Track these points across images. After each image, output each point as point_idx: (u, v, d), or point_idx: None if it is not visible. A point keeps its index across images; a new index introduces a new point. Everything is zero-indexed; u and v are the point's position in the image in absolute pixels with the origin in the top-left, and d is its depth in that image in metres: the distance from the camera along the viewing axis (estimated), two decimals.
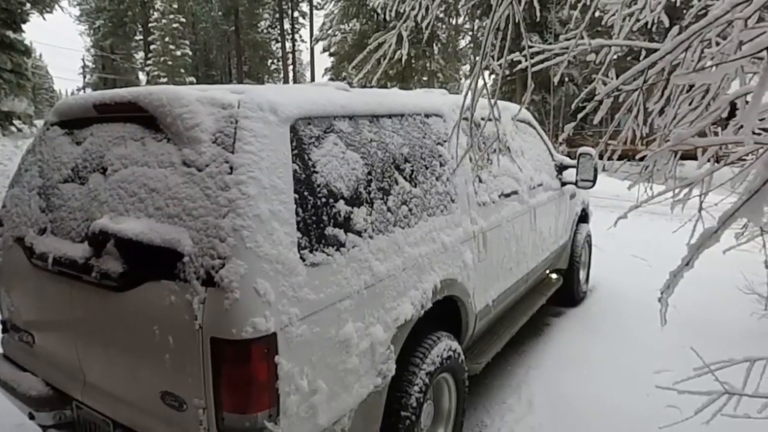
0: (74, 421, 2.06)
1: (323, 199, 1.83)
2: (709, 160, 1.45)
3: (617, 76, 1.87)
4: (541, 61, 1.95)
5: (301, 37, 41.35)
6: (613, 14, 1.87)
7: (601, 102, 1.37)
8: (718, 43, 1.61)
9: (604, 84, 1.57)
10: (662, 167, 1.38)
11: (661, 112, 1.63)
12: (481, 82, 1.57)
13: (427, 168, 2.47)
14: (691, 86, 1.45)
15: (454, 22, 27.29)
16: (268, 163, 1.64)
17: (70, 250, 1.90)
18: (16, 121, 15.53)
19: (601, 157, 1.61)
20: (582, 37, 1.43)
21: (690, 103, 1.49)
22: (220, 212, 1.55)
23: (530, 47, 1.82)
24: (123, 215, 1.77)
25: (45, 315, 2.12)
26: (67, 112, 2.17)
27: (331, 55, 28.10)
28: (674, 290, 1.08)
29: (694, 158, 1.81)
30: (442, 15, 25.39)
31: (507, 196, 3.23)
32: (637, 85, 1.26)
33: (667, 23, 1.97)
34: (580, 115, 1.49)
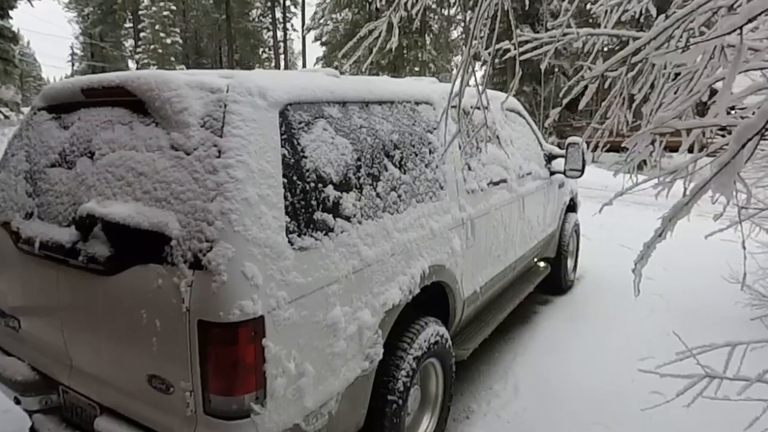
0: (60, 405, 2.07)
1: (312, 184, 1.83)
2: (691, 149, 1.46)
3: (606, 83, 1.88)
4: (530, 50, 1.95)
5: (292, 26, 40.95)
6: (601, 3, 1.88)
7: (586, 87, 1.39)
8: (703, 33, 1.63)
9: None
10: (644, 150, 1.39)
11: (646, 100, 1.64)
12: (470, 69, 1.58)
13: (416, 155, 2.48)
14: (677, 75, 1.47)
15: (446, 12, 27.17)
16: (256, 147, 1.64)
17: (57, 234, 1.90)
18: (3, 109, 15.31)
19: (588, 144, 1.63)
20: (569, 25, 1.44)
21: (675, 92, 1.51)
22: (208, 196, 1.55)
23: (519, 36, 1.83)
24: (110, 199, 1.77)
25: (31, 299, 2.11)
26: (55, 96, 2.15)
27: (323, 44, 27.92)
28: (647, 261, 1.10)
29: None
30: (434, 5, 25.28)
31: (496, 184, 3.25)
32: (622, 72, 1.27)
33: (654, 14, 1.99)
34: (565, 100, 1.50)
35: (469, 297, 2.90)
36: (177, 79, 1.71)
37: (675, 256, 5.83)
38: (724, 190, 0.88)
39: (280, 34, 39.40)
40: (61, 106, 2.10)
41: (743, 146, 0.84)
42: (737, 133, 0.84)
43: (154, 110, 1.72)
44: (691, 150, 1.70)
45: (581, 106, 1.47)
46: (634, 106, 1.52)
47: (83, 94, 1.97)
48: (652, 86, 1.45)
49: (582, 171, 4.20)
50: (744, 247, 1.89)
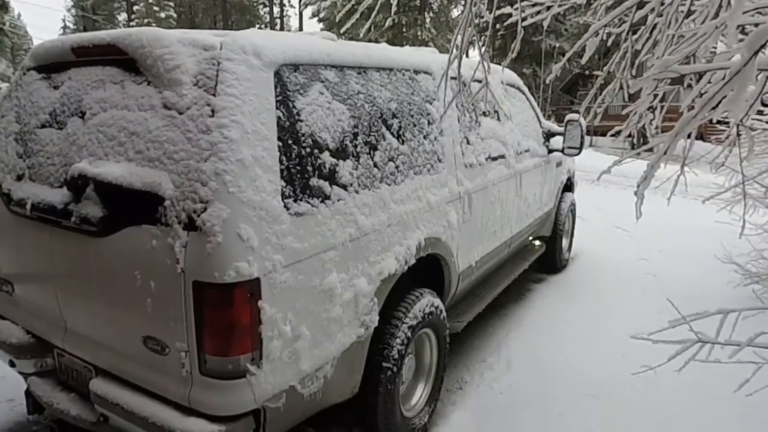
0: (55, 368, 2.07)
1: (308, 149, 1.81)
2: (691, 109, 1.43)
3: (606, 41, 1.85)
4: (533, 15, 1.91)
5: (289, 1, 40.31)
6: None
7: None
8: None
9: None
10: (646, 99, 1.36)
11: (651, 56, 1.60)
12: (469, 29, 1.54)
13: (414, 125, 2.45)
14: (681, 37, 1.44)
15: None
16: (251, 108, 1.61)
17: (48, 195, 1.87)
18: None
19: (588, 112, 1.60)
20: None
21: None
22: (202, 156, 1.53)
23: (522, 1, 1.80)
24: (102, 159, 1.73)
25: (24, 262, 2.09)
26: (45, 56, 2.10)
27: (320, 21, 27.56)
28: (650, 182, 1.08)
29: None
30: None
31: (494, 159, 3.23)
32: (624, 29, 1.24)
33: None
34: (567, 55, 1.47)
35: (464, 271, 2.90)
36: (169, 36, 1.66)
37: (669, 239, 5.86)
38: (732, 105, 0.85)
39: (276, 10, 38.77)
40: (51, 65, 2.05)
41: (755, 53, 0.80)
42: (749, 40, 0.81)
43: (146, 68, 1.68)
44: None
45: (584, 60, 1.44)
46: (638, 60, 1.49)
47: (73, 53, 1.92)
48: (655, 44, 1.42)
49: (580, 149, 4.17)
50: (744, 224, 1.88)
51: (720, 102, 0.86)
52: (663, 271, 4.89)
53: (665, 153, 0.98)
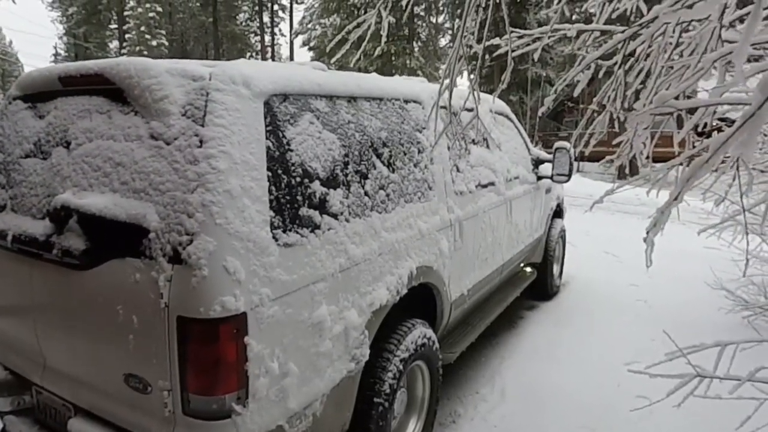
0: (34, 406, 1.98)
1: (298, 179, 1.78)
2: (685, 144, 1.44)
3: (597, 71, 1.87)
4: (522, 46, 1.93)
5: (280, 30, 41.00)
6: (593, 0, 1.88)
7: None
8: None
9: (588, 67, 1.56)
10: (642, 133, 1.36)
11: (638, 98, 1.63)
12: (460, 59, 1.54)
13: (405, 154, 2.44)
14: (670, 68, 1.45)
15: (434, 20, 27.38)
16: (240, 138, 1.58)
17: (30, 227, 1.82)
18: None
19: (579, 139, 1.59)
20: (562, 13, 1.42)
21: (667, 88, 1.49)
22: (189, 187, 1.49)
23: (512, 32, 1.81)
24: (87, 190, 1.69)
25: (3, 296, 2.02)
26: (31, 85, 2.07)
27: (310, 49, 28.00)
28: (660, 229, 1.05)
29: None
30: (422, 13, 25.46)
31: (484, 186, 3.23)
32: (616, 62, 1.25)
33: (645, 11, 1.98)
34: (560, 87, 1.48)
35: (457, 300, 2.86)
36: (157, 67, 1.64)
37: (658, 264, 5.84)
38: (745, 148, 0.83)
39: (267, 38, 39.36)
40: (38, 94, 2.02)
41: None
42: (763, 83, 0.80)
43: (134, 98, 1.65)
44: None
45: (576, 92, 1.45)
46: (629, 93, 1.50)
47: (60, 83, 1.89)
48: (648, 74, 1.43)
49: (569, 176, 4.20)
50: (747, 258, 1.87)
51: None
52: (654, 297, 4.88)
53: (676, 198, 0.96)
